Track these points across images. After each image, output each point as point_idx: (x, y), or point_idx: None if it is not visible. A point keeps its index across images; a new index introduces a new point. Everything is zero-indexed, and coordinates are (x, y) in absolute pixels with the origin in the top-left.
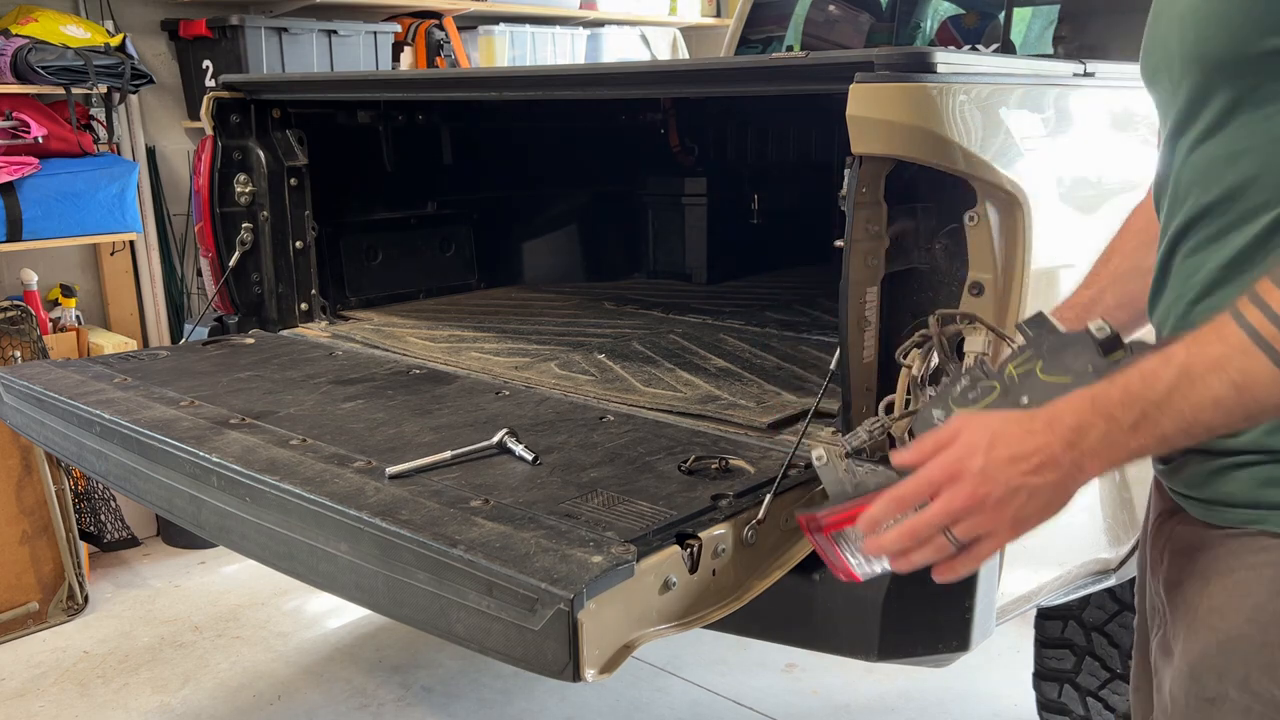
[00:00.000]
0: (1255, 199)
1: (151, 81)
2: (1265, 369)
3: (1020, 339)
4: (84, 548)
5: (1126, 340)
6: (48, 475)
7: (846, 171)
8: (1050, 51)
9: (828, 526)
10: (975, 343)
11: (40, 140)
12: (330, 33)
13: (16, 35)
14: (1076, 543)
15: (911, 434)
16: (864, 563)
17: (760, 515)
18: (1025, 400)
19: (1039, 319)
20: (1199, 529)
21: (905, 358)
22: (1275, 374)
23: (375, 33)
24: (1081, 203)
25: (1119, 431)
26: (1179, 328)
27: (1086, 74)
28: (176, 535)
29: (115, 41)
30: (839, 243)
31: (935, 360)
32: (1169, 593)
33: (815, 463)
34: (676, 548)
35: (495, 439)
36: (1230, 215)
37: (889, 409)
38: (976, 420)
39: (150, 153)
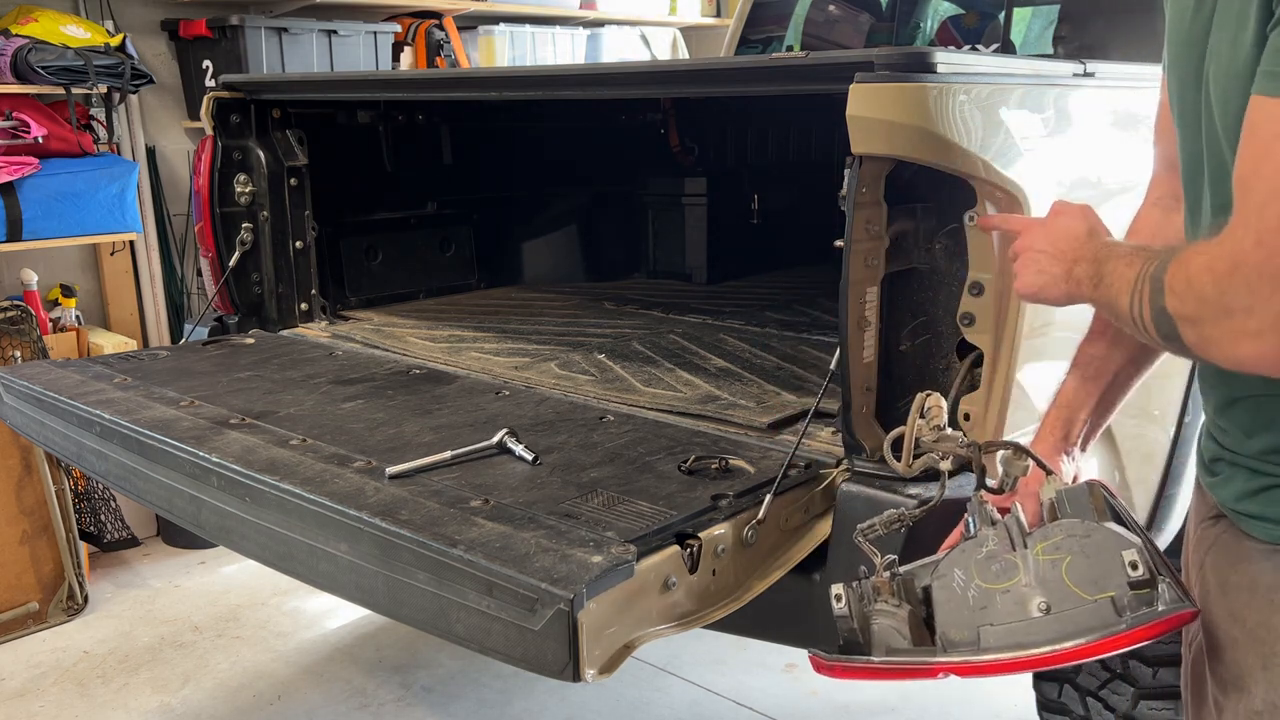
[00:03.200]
0: None
1: (151, 81)
2: (1123, 302)
3: (1059, 505)
4: (84, 548)
5: None
6: (48, 475)
7: (846, 171)
8: (1050, 51)
9: (837, 673)
10: (1016, 467)
11: (40, 140)
12: (330, 33)
13: (16, 35)
14: None
15: (929, 593)
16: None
17: (760, 515)
18: (1041, 602)
19: (1081, 496)
20: (1242, 540)
21: (941, 457)
22: (1124, 308)
23: (375, 33)
24: (1081, 203)
25: (1085, 276)
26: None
27: (1086, 74)
28: (176, 535)
29: (115, 41)
30: (839, 243)
31: (992, 539)
32: (1206, 598)
33: (834, 604)
34: (676, 548)
35: (495, 439)
36: None
37: (895, 447)
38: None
39: (150, 153)
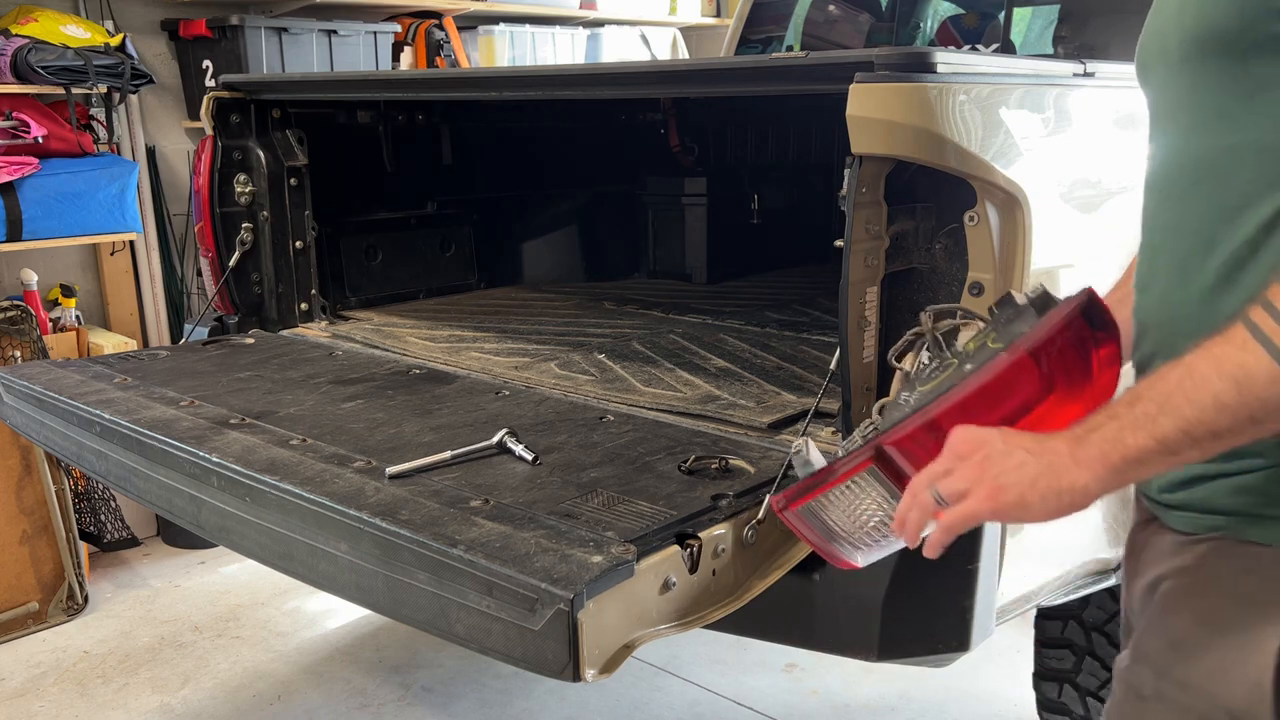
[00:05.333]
0: (1249, 193)
1: (151, 81)
2: (1263, 363)
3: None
4: (84, 548)
5: None
6: (48, 475)
7: (846, 171)
8: (1050, 51)
9: (792, 504)
10: (968, 338)
11: (40, 140)
12: (330, 33)
13: (16, 35)
14: (1076, 543)
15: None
16: (849, 547)
17: (760, 515)
18: (971, 368)
19: (1006, 298)
20: (1170, 537)
21: (899, 360)
22: (1273, 368)
23: (375, 33)
24: (1081, 203)
25: (1119, 428)
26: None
27: (1086, 74)
28: (176, 535)
29: (115, 41)
30: (839, 243)
31: (926, 358)
32: (1138, 602)
33: (792, 453)
34: (676, 548)
35: (495, 439)
36: (1227, 210)
37: (882, 412)
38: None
39: (150, 153)
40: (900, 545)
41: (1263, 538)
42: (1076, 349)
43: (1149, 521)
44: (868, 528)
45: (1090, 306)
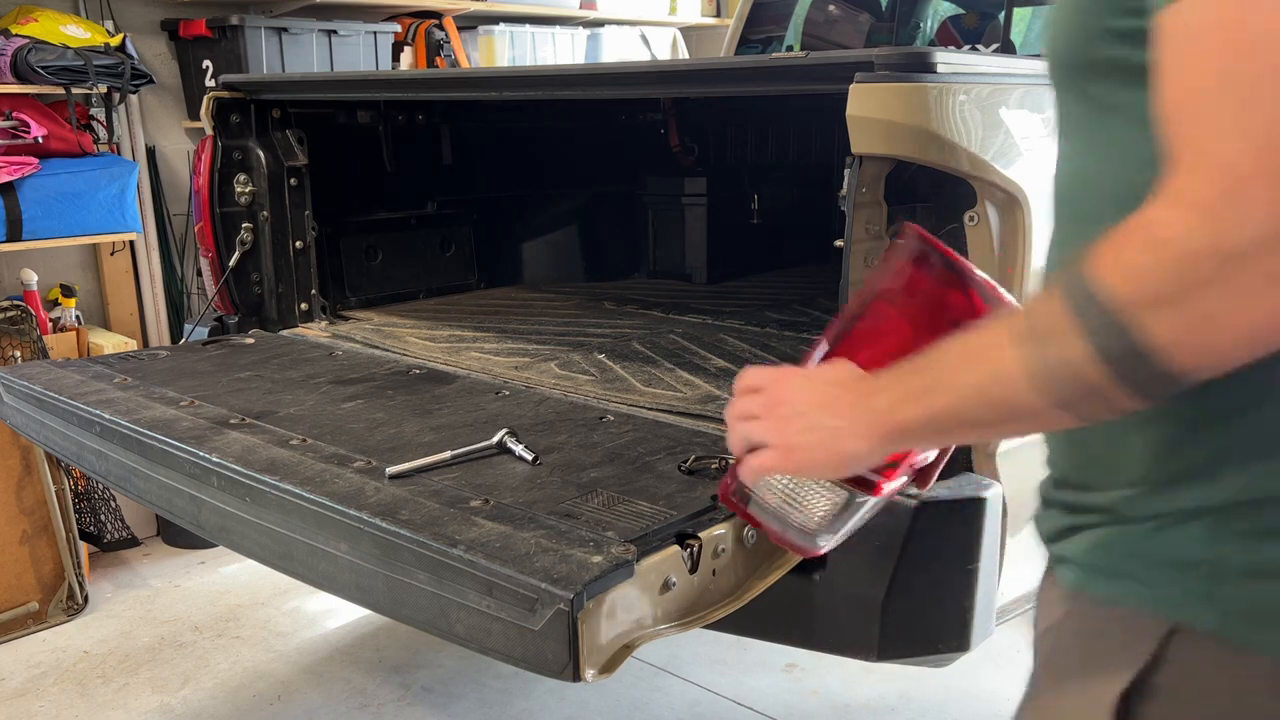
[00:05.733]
0: (1099, 220)
1: (151, 81)
2: (1015, 366)
3: None
4: (84, 548)
5: None
6: (48, 475)
7: (846, 171)
8: None
9: (728, 486)
10: None
11: (40, 140)
12: (330, 33)
13: (16, 35)
14: None
15: None
16: (799, 531)
17: None
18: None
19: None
20: (1057, 590)
21: None
22: (1020, 374)
23: (375, 33)
24: None
25: (895, 399)
26: None
27: None
28: (176, 535)
29: (115, 41)
30: (839, 243)
31: None
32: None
33: None
34: (676, 548)
35: (495, 439)
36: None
37: None
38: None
39: (150, 153)
40: (852, 526)
41: (1109, 593)
42: (924, 284)
43: (1049, 571)
44: (798, 504)
45: (925, 242)
